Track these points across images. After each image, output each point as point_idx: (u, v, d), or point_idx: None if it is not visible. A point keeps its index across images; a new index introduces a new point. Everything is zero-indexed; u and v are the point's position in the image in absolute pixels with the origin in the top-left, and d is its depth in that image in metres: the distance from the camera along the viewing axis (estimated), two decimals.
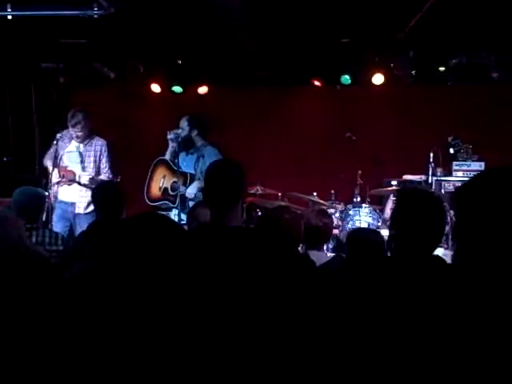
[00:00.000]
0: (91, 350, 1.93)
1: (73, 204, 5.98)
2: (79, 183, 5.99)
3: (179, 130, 6.17)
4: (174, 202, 6.00)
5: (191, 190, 5.94)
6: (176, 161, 6.06)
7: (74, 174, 5.98)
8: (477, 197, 1.46)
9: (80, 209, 6.01)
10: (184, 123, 6.21)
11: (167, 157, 6.22)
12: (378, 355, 1.54)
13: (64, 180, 5.93)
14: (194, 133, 6.18)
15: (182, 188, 5.98)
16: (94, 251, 3.48)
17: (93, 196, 4.63)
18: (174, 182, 6.08)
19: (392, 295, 1.85)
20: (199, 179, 5.94)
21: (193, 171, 6.10)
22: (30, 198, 4.34)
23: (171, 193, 6.07)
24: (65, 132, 6.17)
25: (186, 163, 6.16)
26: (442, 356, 1.38)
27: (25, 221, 3.89)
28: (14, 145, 7.56)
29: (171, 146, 6.17)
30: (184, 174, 6.03)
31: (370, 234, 3.78)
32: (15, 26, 5.79)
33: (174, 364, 1.92)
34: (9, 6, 5.30)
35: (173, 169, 6.12)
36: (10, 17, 5.37)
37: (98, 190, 4.60)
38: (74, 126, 5.97)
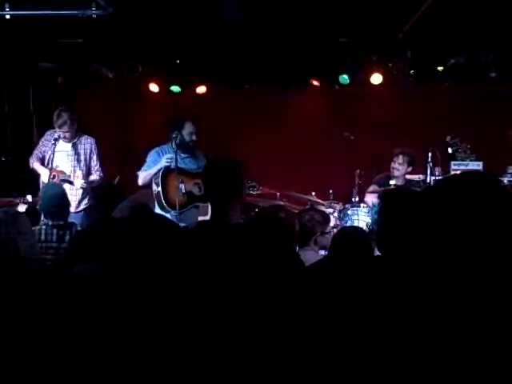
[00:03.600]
0: (90, 350, 1.93)
1: None
2: (71, 182, 5.98)
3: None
4: (204, 201, 6.02)
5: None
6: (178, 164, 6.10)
7: (65, 173, 5.99)
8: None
9: (71, 208, 6.01)
10: (191, 127, 6.17)
11: (173, 164, 6.11)
12: (364, 356, 1.54)
13: (56, 180, 5.91)
14: (194, 137, 6.18)
15: None
16: (93, 251, 3.48)
17: (95, 196, 4.68)
18: (196, 183, 6.08)
19: (378, 294, 1.85)
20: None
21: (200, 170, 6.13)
22: (55, 195, 4.46)
23: (198, 193, 6.08)
24: (50, 132, 6.16)
25: (187, 165, 6.16)
26: (434, 355, 1.37)
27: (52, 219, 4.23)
28: (12, 144, 7.56)
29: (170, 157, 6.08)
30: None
31: (356, 232, 3.76)
32: (13, 26, 5.79)
33: (173, 361, 1.92)
34: (7, 5, 5.30)
35: (188, 173, 6.12)
36: (8, 16, 5.36)
37: (101, 190, 4.65)
38: (61, 127, 5.95)
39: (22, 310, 2.34)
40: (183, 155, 6.16)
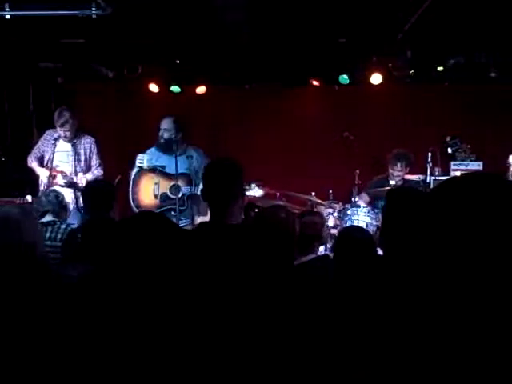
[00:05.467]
0: (91, 351, 1.93)
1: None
2: (74, 184, 5.98)
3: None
4: (182, 205, 5.91)
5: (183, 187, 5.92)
6: (164, 164, 6.07)
7: (66, 174, 5.98)
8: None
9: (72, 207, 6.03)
10: (170, 125, 6.07)
11: (145, 165, 6.05)
12: (365, 354, 1.54)
13: (55, 181, 5.91)
14: (179, 135, 6.08)
15: (185, 188, 5.91)
16: (92, 252, 3.47)
17: (83, 194, 4.72)
18: (173, 185, 5.99)
19: (380, 294, 1.85)
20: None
21: (186, 171, 6.02)
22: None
23: (173, 196, 5.98)
24: (50, 131, 6.16)
25: (178, 165, 6.08)
26: (438, 357, 1.37)
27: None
28: (12, 145, 7.56)
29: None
30: (185, 175, 5.98)
31: (358, 232, 3.75)
32: (13, 26, 5.79)
33: (172, 361, 1.93)
34: (7, 5, 5.30)
35: (166, 174, 6.05)
36: (8, 16, 5.36)
37: (88, 188, 4.68)
38: (62, 126, 5.96)
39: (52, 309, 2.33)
40: (167, 155, 6.09)
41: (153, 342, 1.92)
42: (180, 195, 5.88)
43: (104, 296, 2.07)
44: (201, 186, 5.95)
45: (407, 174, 6.72)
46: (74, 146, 6.11)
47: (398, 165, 6.55)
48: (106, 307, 2.01)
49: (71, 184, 5.99)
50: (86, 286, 2.29)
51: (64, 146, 6.11)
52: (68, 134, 6.02)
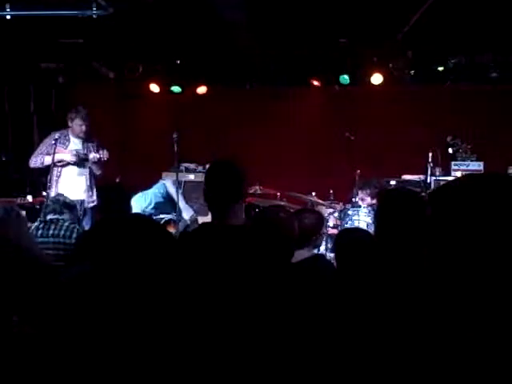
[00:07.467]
0: (86, 352, 1.93)
1: (80, 201, 5.89)
2: (86, 159, 5.98)
3: None
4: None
5: (187, 216, 5.97)
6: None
7: (76, 153, 5.99)
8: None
9: (90, 203, 6.06)
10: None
11: None
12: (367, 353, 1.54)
13: (65, 158, 5.90)
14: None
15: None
16: (91, 253, 3.48)
17: (100, 198, 4.72)
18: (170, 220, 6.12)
19: (381, 293, 1.85)
20: (178, 206, 5.99)
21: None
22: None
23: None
24: (58, 134, 6.15)
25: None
26: (440, 357, 1.37)
27: None
28: (12, 144, 7.57)
29: None
30: (166, 221, 6.06)
31: (358, 232, 3.74)
32: (14, 26, 5.80)
33: (171, 362, 1.93)
34: (8, 6, 5.31)
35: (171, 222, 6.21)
36: (9, 17, 5.37)
37: (104, 191, 4.68)
38: (85, 119, 5.94)
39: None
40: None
41: (150, 343, 1.92)
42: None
43: (94, 296, 2.07)
44: (186, 214, 6.03)
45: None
46: (83, 144, 6.09)
47: (359, 193, 6.30)
48: (95, 309, 2.00)
49: (82, 159, 5.97)
50: (77, 286, 2.29)
51: (75, 145, 6.09)
52: (87, 128, 6.01)
